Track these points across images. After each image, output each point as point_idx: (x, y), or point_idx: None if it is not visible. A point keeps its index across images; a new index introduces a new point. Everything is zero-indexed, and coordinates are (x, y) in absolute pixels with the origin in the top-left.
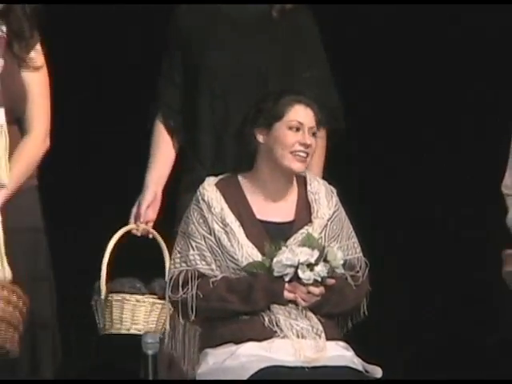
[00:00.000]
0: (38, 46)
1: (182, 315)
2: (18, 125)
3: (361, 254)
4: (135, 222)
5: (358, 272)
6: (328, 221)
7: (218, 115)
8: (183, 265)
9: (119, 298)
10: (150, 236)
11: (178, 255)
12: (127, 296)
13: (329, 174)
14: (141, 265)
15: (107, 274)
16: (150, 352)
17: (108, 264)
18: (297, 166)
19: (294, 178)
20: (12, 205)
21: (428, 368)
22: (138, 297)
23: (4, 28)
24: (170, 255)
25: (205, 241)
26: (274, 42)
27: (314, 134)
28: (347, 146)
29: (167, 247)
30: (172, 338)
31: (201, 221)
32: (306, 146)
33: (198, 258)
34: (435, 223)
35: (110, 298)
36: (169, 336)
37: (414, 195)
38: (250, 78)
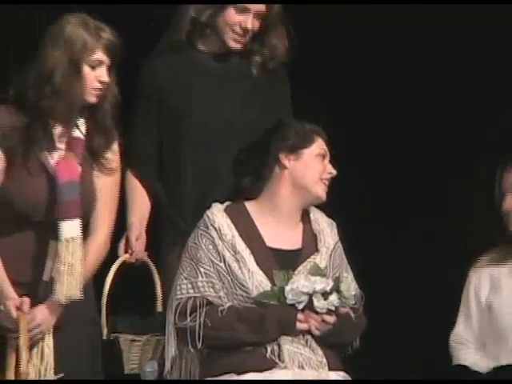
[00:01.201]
0: (116, 146)
1: (191, 343)
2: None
3: (356, 286)
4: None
5: (355, 303)
6: (332, 251)
7: (203, 166)
8: (190, 291)
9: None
10: (138, 263)
11: (185, 281)
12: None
13: None
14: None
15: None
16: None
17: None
18: (323, 195)
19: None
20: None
21: None
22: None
23: (83, 129)
24: (162, 283)
25: (214, 267)
26: (254, 95)
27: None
28: None
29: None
30: (172, 366)
31: (210, 247)
32: (331, 174)
33: (206, 284)
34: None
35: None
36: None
37: None
38: (233, 128)
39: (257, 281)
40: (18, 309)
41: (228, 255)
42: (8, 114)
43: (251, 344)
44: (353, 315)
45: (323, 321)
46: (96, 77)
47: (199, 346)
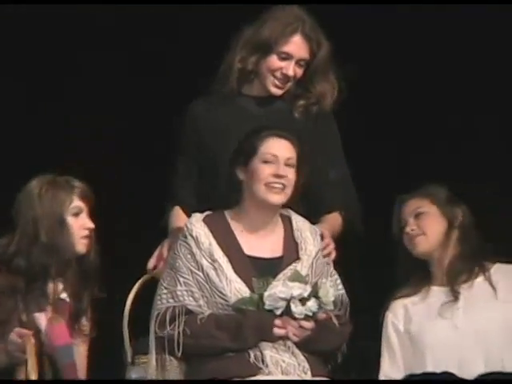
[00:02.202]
0: (89, 313)
1: (169, 351)
2: None
3: (343, 292)
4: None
5: (340, 310)
6: (313, 258)
7: None
8: (170, 301)
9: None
10: None
11: (165, 291)
12: None
13: None
14: None
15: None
16: None
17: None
18: (274, 199)
19: (279, 216)
20: None
21: None
22: None
23: (68, 289)
24: None
25: (192, 276)
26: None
27: (290, 166)
28: None
29: None
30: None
31: (188, 256)
32: (280, 177)
33: (185, 293)
34: None
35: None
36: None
37: None
38: None
39: (235, 288)
40: (21, 336)
41: (206, 263)
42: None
43: (231, 351)
44: (336, 322)
45: (301, 327)
46: (81, 225)
47: (178, 354)
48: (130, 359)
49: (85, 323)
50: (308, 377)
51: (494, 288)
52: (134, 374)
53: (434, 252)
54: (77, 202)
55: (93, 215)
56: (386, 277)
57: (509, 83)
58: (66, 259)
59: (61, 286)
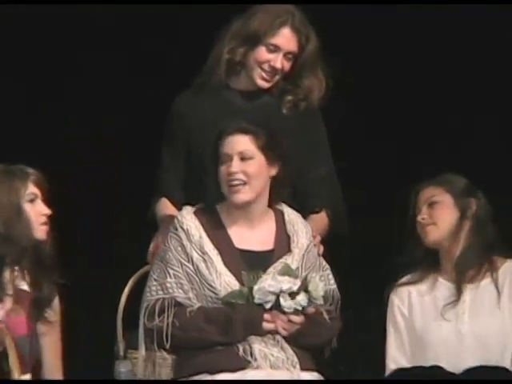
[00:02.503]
0: (56, 301)
1: (158, 343)
2: None
3: (334, 286)
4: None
5: (331, 305)
6: (305, 251)
7: None
8: (160, 293)
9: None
10: None
11: (155, 283)
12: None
13: None
14: None
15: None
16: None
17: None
18: (236, 198)
19: (271, 210)
20: None
21: None
22: None
23: (27, 278)
24: None
25: (182, 268)
26: (282, 135)
27: (249, 158)
28: None
29: None
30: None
31: (179, 248)
32: (233, 173)
33: (175, 285)
34: None
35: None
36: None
37: None
38: None
39: (224, 281)
40: None
41: (196, 256)
42: None
43: (220, 344)
44: (327, 317)
45: (290, 321)
46: (38, 211)
47: (167, 346)
48: (121, 353)
49: (49, 311)
50: (297, 371)
51: (499, 292)
52: (122, 368)
53: (444, 242)
54: (32, 189)
55: (50, 203)
56: (375, 275)
57: (508, 82)
58: (22, 247)
59: (19, 276)
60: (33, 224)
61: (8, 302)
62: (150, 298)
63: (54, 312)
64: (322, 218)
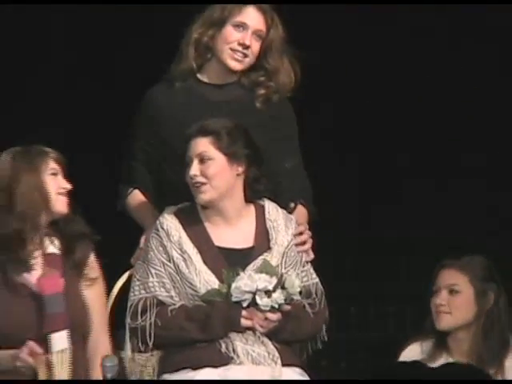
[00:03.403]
0: (93, 257)
1: (141, 342)
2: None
3: (316, 280)
4: None
5: (314, 299)
6: (286, 248)
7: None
8: (142, 292)
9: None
10: None
11: (138, 283)
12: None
13: None
14: None
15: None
16: (108, 375)
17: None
18: (198, 198)
19: (252, 205)
20: None
21: None
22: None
23: (57, 243)
24: None
25: (164, 268)
26: (256, 128)
27: (208, 159)
28: None
29: None
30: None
31: (160, 248)
32: (194, 177)
33: (157, 284)
34: None
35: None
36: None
37: None
38: None
39: (204, 279)
40: (32, 354)
41: (176, 255)
42: None
43: (200, 341)
44: (310, 311)
45: (266, 318)
46: (58, 185)
47: (150, 344)
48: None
49: (88, 270)
50: (278, 366)
51: None
52: (108, 363)
53: (455, 331)
54: (52, 165)
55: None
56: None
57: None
58: (44, 220)
59: (46, 242)
60: (52, 196)
61: (38, 269)
62: (133, 297)
63: (93, 269)
64: (301, 212)
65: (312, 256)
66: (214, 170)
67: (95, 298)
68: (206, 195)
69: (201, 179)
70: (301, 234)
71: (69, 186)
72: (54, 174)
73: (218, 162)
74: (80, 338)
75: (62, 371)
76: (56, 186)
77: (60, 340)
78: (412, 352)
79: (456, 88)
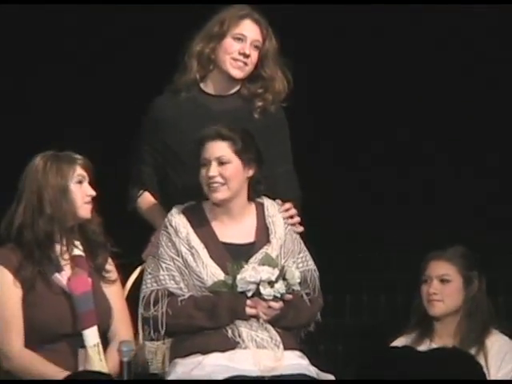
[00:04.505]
0: (110, 259)
1: (154, 330)
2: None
3: (312, 267)
4: None
5: (309, 286)
6: (283, 240)
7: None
8: (154, 285)
9: None
10: None
11: (149, 276)
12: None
13: None
14: None
15: None
16: (125, 359)
17: None
18: (213, 197)
19: (253, 203)
20: None
21: None
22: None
23: (79, 246)
24: None
25: (173, 262)
26: (255, 136)
27: (225, 162)
28: None
29: None
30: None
31: (169, 244)
32: (212, 177)
33: (167, 277)
34: None
35: None
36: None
37: None
38: None
39: (211, 272)
40: None
41: (184, 250)
42: (13, 253)
43: (207, 329)
44: (307, 300)
45: (270, 307)
46: (84, 192)
47: (162, 332)
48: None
49: (108, 274)
50: (280, 350)
51: (487, 363)
52: (125, 348)
53: (446, 317)
54: (79, 171)
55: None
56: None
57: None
58: (69, 224)
59: (72, 246)
60: (78, 203)
61: (67, 270)
62: (145, 289)
63: (112, 272)
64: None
65: (301, 228)
66: (231, 172)
67: (116, 297)
68: (221, 195)
69: (219, 180)
70: (287, 210)
71: (93, 193)
72: (80, 182)
73: (235, 165)
74: (101, 334)
75: (100, 363)
76: (82, 194)
77: (92, 335)
78: (399, 343)
79: (444, 91)
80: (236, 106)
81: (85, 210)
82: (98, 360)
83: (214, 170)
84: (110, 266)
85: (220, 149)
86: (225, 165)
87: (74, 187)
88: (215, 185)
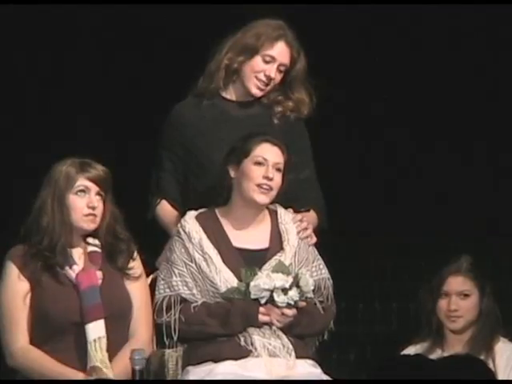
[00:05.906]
0: (136, 255)
1: (166, 336)
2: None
3: (326, 275)
4: None
5: (322, 294)
6: (297, 248)
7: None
8: (167, 290)
9: None
10: None
11: (162, 282)
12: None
13: None
14: None
15: None
16: (137, 367)
17: None
18: (260, 198)
19: (267, 210)
20: None
21: None
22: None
23: (97, 242)
24: None
25: (186, 268)
26: None
27: (278, 170)
28: None
29: None
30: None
31: (182, 250)
32: (269, 179)
33: (180, 283)
34: None
35: None
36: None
37: None
38: None
39: (224, 278)
40: None
41: (197, 256)
42: (23, 251)
43: (220, 336)
44: (321, 308)
45: (283, 314)
46: (86, 203)
47: (175, 339)
48: None
49: (131, 270)
50: (292, 358)
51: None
52: (136, 356)
53: (464, 329)
54: (82, 182)
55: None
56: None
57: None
58: (74, 233)
59: (86, 243)
60: (77, 215)
61: (81, 264)
62: (158, 295)
63: (135, 269)
64: (311, 216)
65: (315, 239)
66: (280, 180)
67: (139, 292)
68: (268, 198)
69: (272, 184)
70: (300, 221)
71: (95, 205)
72: (83, 191)
73: (282, 173)
74: (120, 327)
75: (101, 357)
76: (82, 206)
77: (95, 329)
78: (410, 352)
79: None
80: (256, 111)
81: (85, 222)
82: (97, 355)
83: (272, 172)
84: (134, 262)
85: (278, 155)
86: (278, 172)
87: (72, 198)
88: (267, 188)
